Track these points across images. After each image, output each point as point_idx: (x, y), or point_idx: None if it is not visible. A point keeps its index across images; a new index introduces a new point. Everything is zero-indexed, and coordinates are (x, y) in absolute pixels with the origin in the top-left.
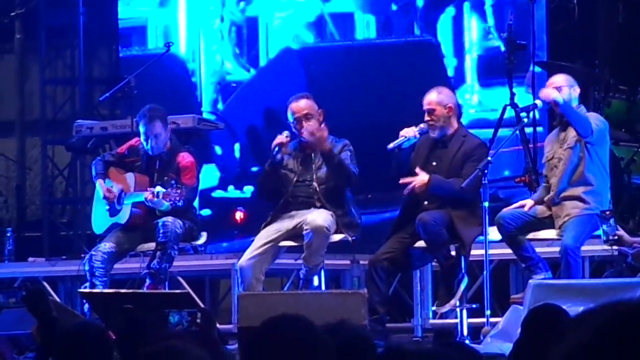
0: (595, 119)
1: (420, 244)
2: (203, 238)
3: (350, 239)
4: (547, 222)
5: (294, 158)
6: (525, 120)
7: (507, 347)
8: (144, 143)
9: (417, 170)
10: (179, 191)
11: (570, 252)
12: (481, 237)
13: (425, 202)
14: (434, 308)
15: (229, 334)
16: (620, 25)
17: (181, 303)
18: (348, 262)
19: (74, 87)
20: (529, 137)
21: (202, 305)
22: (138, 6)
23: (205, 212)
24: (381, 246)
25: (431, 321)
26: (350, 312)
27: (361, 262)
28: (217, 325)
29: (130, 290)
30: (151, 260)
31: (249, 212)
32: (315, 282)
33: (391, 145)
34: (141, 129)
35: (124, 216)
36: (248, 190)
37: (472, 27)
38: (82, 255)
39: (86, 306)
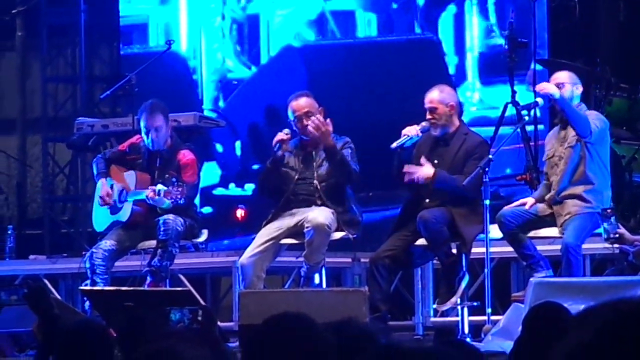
0: (595, 118)
1: (422, 241)
2: (204, 236)
3: (351, 236)
4: (548, 220)
5: (295, 156)
6: (527, 118)
7: (508, 345)
8: (145, 137)
9: (423, 160)
10: (180, 189)
11: (571, 250)
12: (482, 235)
13: (427, 200)
14: (435, 306)
15: (230, 332)
16: (621, 23)
17: (182, 301)
18: (349, 260)
19: (75, 85)
20: (530, 135)
21: (203, 303)
22: (139, 4)
23: (207, 209)
24: (382, 244)
25: (432, 319)
26: (351, 310)
27: (362, 260)
28: (218, 323)
29: (131, 288)
30: (152, 257)
31: (250, 209)
32: (317, 279)
33: (394, 145)
34: (142, 123)
35: (124, 214)
36: (249, 188)
37: (474, 24)
38: (83, 252)
39: (87, 304)
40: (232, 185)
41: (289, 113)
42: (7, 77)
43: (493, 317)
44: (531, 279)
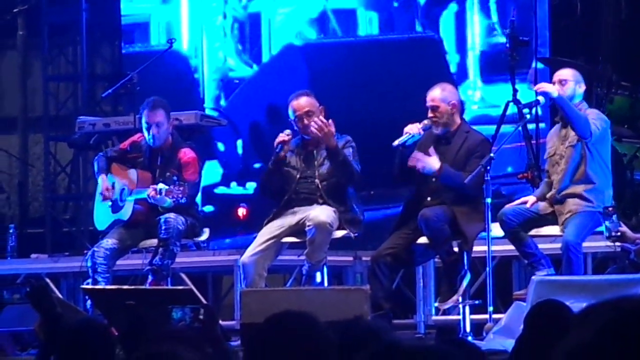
0: (595, 118)
1: (423, 240)
2: (205, 234)
3: (352, 235)
4: (549, 219)
5: (296, 155)
6: (528, 116)
7: (509, 344)
8: (146, 133)
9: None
10: (181, 188)
11: (572, 247)
12: (484, 234)
13: (428, 199)
14: (436, 304)
15: (232, 331)
16: (622, 21)
17: (184, 299)
18: (351, 258)
19: (77, 84)
20: (532, 134)
21: (204, 301)
22: (141, 2)
23: (208, 208)
24: (384, 242)
25: (434, 317)
26: (352, 308)
27: (364, 258)
28: (220, 321)
29: (133, 287)
30: (153, 256)
31: (252, 208)
32: (318, 278)
33: (396, 143)
34: (143, 118)
35: (126, 213)
36: (251, 186)
37: (475, 23)
38: (85, 251)
39: (89, 302)
40: (233, 184)
41: (290, 112)
42: (9, 76)
43: (495, 316)
44: (533, 278)
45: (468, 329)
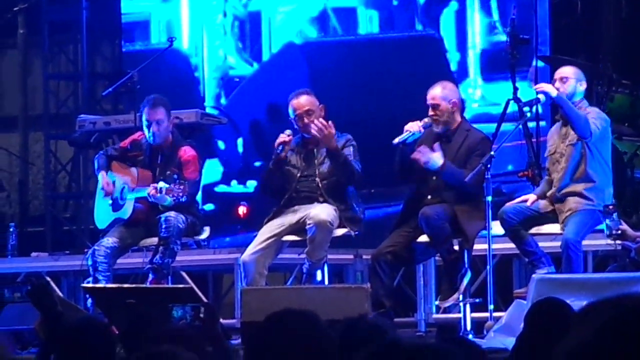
0: (596, 117)
1: (423, 238)
2: (206, 233)
3: (353, 233)
4: (550, 217)
5: (296, 154)
6: (528, 114)
7: (510, 342)
8: (146, 131)
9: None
10: (182, 187)
11: (571, 245)
12: (484, 232)
13: (428, 197)
14: (437, 302)
15: (232, 329)
16: (623, 20)
17: (184, 298)
18: (351, 256)
19: (77, 82)
20: (532, 132)
21: (205, 300)
22: (141, 1)
23: (209, 206)
24: (384, 240)
25: (434, 316)
26: (353, 306)
27: (364, 256)
28: (220, 320)
29: (133, 285)
30: (154, 255)
31: (252, 206)
32: (319, 276)
33: (396, 141)
34: (144, 116)
35: (126, 211)
36: (251, 185)
37: (476, 21)
38: (85, 250)
39: (89, 301)
40: (234, 182)
41: (290, 111)
42: (9, 74)
43: (495, 314)
44: (533, 276)
45: (469, 327)
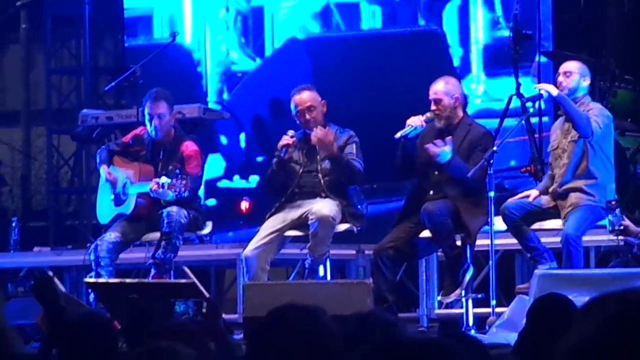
0: (598, 115)
1: (426, 233)
2: (208, 228)
3: (355, 229)
4: (552, 212)
5: (299, 149)
6: (531, 110)
7: (512, 337)
8: (148, 125)
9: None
10: (184, 182)
11: (572, 240)
12: (486, 227)
13: (431, 192)
14: (439, 298)
15: (235, 324)
16: (626, 15)
17: (186, 293)
18: (353, 251)
19: (80, 77)
20: (535, 127)
21: (207, 295)
22: None
23: (211, 201)
24: (386, 236)
25: (437, 311)
26: (355, 302)
27: (366, 251)
28: (223, 315)
29: (136, 280)
30: (156, 250)
31: (255, 201)
32: (321, 272)
33: (398, 135)
34: (146, 110)
35: (128, 206)
36: (253, 180)
37: (479, 16)
38: (88, 245)
39: (91, 296)
40: (236, 177)
41: (292, 107)
42: (12, 69)
43: (497, 309)
44: (535, 271)
45: (471, 322)
